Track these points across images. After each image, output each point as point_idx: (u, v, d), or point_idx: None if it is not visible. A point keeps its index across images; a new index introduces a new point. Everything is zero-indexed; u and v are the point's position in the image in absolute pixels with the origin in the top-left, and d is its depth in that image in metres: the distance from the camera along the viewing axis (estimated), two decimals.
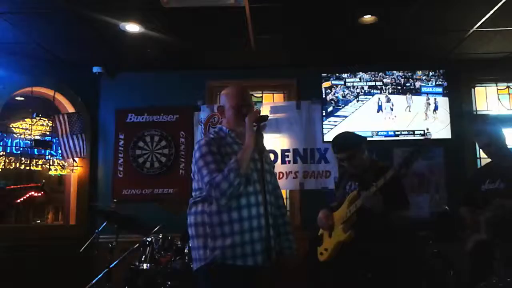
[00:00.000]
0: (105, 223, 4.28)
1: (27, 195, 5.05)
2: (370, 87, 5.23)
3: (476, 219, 3.03)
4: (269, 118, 2.36)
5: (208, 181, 2.23)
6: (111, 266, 3.85)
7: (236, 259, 2.24)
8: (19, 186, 5.04)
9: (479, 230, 3.00)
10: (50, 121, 5.19)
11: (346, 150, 3.11)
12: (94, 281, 3.82)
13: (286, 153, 5.25)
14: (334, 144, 3.21)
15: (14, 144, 4.96)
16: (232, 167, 2.19)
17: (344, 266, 2.98)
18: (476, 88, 5.47)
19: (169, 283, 3.66)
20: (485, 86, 5.48)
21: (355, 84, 5.24)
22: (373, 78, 5.23)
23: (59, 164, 5.19)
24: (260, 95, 5.65)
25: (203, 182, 2.28)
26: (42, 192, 5.13)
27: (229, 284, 2.24)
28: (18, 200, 5.00)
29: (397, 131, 5.13)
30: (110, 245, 3.97)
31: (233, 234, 2.25)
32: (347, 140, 3.17)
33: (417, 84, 5.18)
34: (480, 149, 3.26)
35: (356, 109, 5.22)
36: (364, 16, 4.14)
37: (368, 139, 5.08)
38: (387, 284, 2.87)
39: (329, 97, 5.26)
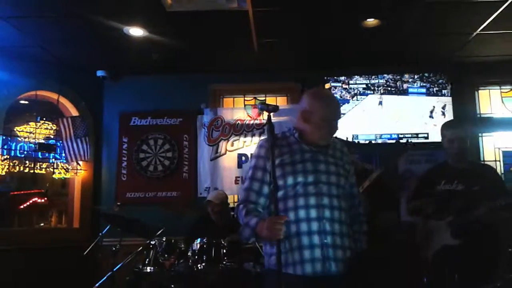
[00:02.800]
0: (108, 226, 4.28)
1: (31, 201, 5.08)
2: (369, 88, 5.23)
3: (438, 223, 2.96)
4: (272, 120, 2.15)
5: (243, 187, 2.23)
6: (114, 270, 3.84)
7: (288, 266, 2.04)
8: (22, 192, 5.07)
9: (442, 235, 2.93)
10: (54, 125, 5.20)
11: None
12: (97, 284, 3.82)
13: None
14: None
15: (18, 148, 4.96)
16: (245, 233, 2.11)
17: None
18: (479, 91, 5.46)
19: (172, 286, 3.65)
20: (489, 89, 5.48)
21: (353, 85, 5.25)
22: (373, 80, 5.24)
23: (63, 168, 5.20)
24: (263, 98, 5.66)
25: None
26: (46, 198, 5.17)
27: None
28: (22, 206, 5.04)
29: (401, 134, 5.12)
30: (114, 248, 3.98)
31: (286, 238, 2.04)
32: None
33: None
34: (445, 143, 3.12)
35: (353, 107, 5.23)
36: (368, 20, 4.15)
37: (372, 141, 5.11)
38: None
39: None
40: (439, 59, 5.16)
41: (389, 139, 5.11)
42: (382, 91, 5.24)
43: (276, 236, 1.95)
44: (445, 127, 3.18)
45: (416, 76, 5.25)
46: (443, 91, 5.20)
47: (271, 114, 2.11)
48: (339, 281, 2.05)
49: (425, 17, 4.07)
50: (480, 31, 4.37)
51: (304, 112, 2.20)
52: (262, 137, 2.14)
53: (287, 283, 1.98)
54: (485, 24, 4.22)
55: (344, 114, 5.17)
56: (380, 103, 5.23)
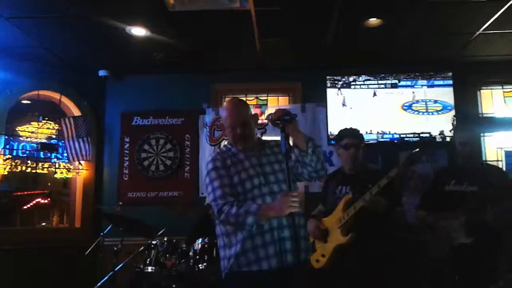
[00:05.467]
0: (110, 226, 4.29)
1: (34, 202, 5.10)
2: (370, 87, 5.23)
3: (449, 223, 2.95)
4: (278, 122, 2.33)
5: (214, 198, 2.32)
6: (116, 269, 3.85)
7: (251, 265, 2.23)
8: (26, 192, 5.09)
9: (455, 234, 2.92)
10: (56, 124, 5.21)
11: (358, 137, 3.23)
12: (99, 284, 3.83)
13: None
14: (345, 131, 3.30)
15: (20, 147, 4.97)
16: (247, 220, 2.18)
17: (347, 268, 2.98)
18: (482, 91, 5.45)
19: (174, 286, 3.66)
20: (491, 89, 5.46)
21: (353, 84, 5.24)
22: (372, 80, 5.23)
23: (65, 167, 5.21)
24: (265, 98, 5.65)
25: (209, 198, 2.38)
26: (49, 199, 5.19)
27: None
28: (25, 207, 5.05)
29: (402, 133, 5.10)
30: (115, 248, 3.99)
31: (243, 239, 2.26)
32: (358, 131, 3.30)
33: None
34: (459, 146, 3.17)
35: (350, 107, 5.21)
36: (370, 19, 4.14)
37: (372, 142, 5.10)
38: (388, 281, 2.89)
39: None
40: (442, 59, 5.15)
41: (391, 139, 5.09)
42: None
43: (290, 208, 2.12)
44: (459, 129, 3.22)
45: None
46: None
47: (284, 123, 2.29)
48: (297, 271, 2.22)
49: (428, 16, 4.06)
50: (482, 30, 4.36)
51: (220, 126, 2.44)
52: (268, 137, 2.41)
53: (255, 280, 2.21)
54: (487, 24, 4.21)
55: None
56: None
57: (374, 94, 5.14)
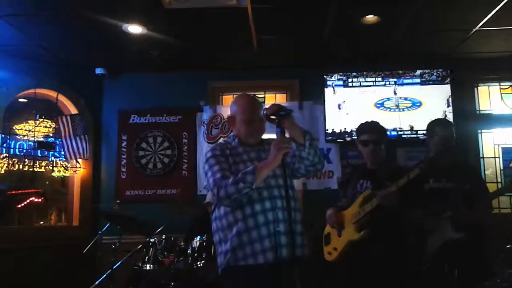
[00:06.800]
0: (108, 224, 4.28)
1: (28, 201, 5.08)
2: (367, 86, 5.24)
3: (436, 220, 2.94)
4: (273, 117, 2.31)
5: (214, 180, 2.28)
6: (114, 267, 3.85)
7: (248, 258, 2.22)
8: (20, 191, 5.07)
9: (442, 231, 2.91)
10: (53, 123, 5.20)
11: (378, 132, 3.12)
12: (97, 282, 3.82)
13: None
14: (364, 126, 3.19)
15: (17, 146, 4.95)
16: (246, 179, 2.18)
17: (356, 266, 2.95)
18: (479, 88, 5.45)
19: (172, 284, 3.65)
20: (488, 86, 5.46)
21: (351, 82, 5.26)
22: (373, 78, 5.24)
23: (62, 166, 5.20)
24: (263, 95, 5.65)
25: (209, 184, 2.34)
26: (43, 198, 5.17)
27: (245, 285, 2.25)
28: (19, 206, 5.03)
29: (400, 130, 5.10)
30: (113, 246, 3.98)
31: (240, 233, 2.25)
32: (379, 125, 3.18)
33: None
34: (436, 142, 3.10)
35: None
36: (367, 16, 4.14)
37: None
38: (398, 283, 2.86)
39: None
40: (439, 56, 5.15)
41: (388, 136, 5.07)
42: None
43: (283, 149, 2.18)
44: (438, 125, 3.18)
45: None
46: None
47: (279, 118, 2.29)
48: (292, 266, 2.19)
49: (424, 13, 4.06)
50: (479, 27, 4.36)
51: (229, 118, 2.52)
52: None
53: (253, 274, 2.20)
54: (484, 20, 4.21)
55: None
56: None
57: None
